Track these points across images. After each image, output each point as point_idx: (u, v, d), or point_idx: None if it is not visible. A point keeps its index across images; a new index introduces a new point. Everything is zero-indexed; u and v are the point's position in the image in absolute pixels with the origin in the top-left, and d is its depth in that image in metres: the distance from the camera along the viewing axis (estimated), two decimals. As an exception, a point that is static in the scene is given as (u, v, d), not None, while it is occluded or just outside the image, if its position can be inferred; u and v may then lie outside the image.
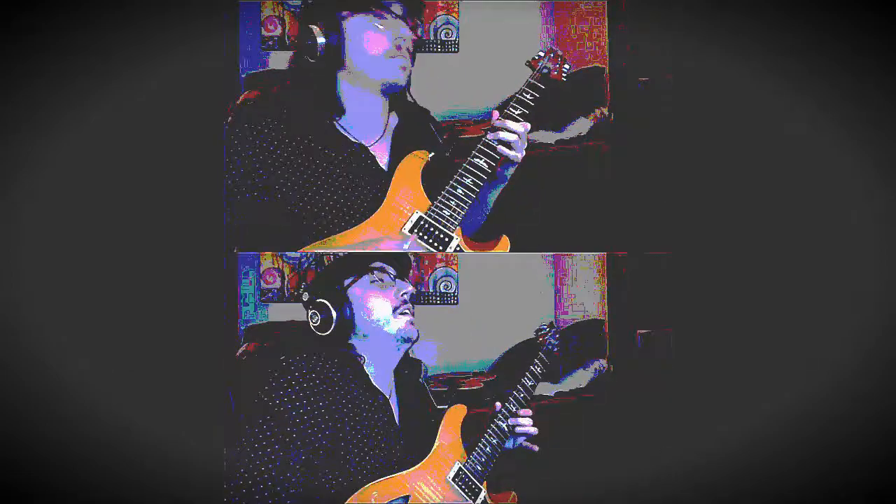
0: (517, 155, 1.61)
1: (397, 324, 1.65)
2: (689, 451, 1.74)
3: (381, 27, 1.62)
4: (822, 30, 1.77)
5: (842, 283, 1.75)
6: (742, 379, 1.75)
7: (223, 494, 1.58)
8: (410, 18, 1.65)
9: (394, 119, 1.70)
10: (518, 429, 1.68)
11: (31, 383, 1.68)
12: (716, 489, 1.74)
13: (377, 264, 1.66)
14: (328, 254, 1.76)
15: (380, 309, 1.65)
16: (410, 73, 1.68)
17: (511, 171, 1.64)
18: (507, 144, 1.60)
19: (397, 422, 1.67)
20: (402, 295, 1.66)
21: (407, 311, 1.66)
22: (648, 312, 1.82)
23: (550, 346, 1.76)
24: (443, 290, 1.85)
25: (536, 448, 1.71)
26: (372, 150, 1.65)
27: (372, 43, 1.62)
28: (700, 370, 1.77)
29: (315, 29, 1.61)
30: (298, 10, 1.78)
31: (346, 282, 1.65)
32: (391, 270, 1.68)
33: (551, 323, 1.80)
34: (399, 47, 1.63)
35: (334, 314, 1.61)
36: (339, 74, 1.64)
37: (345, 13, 1.62)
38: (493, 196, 1.66)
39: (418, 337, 1.69)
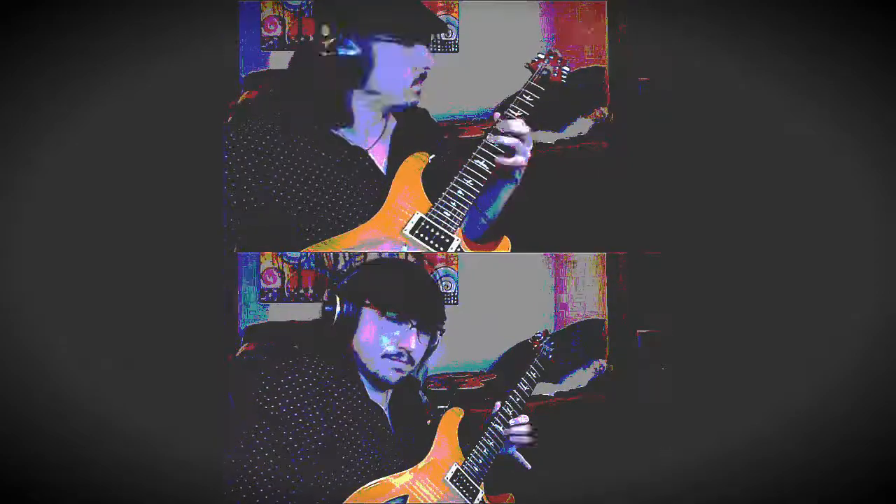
0: (518, 159, 1.60)
1: (381, 366, 1.61)
2: (689, 451, 1.74)
3: (406, 55, 1.59)
4: (822, 30, 1.76)
5: (842, 283, 1.75)
6: (742, 379, 1.75)
7: (222, 495, 1.58)
8: (429, 44, 1.63)
9: (392, 122, 1.68)
10: (513, 437, 1.68)
11: (31, 383, 1.68)
12: (716, 489, 1.74)
13: (403, 314, 1.61)
14: (328, 254, 1.76)
15: (372, 340, 1.61)
16: None
17: (520, 171, 1.62)
18: (510, 150, 1.59)
19: (391, 427, 1.66)
20: (399, 346, 1.60)
21: (400, 362, 1.61)
22: (648, 312, 1.82)
23: (545, 354, 1.76)
24: (443, 290, 1.85)
25: (529, 466, 1.70)
26: (370, 154, 1.64)
27: (399, 70, 1.59)
28: (700, 370, 1.77)
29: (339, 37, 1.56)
30: (296, 9, 1.77)
31: (367, 301, 1.62)
32: (413, 321, 1.62)
33: (546, 331, 1.80)
34: (423, 76, 1.61)
35: (337, 310, 1.61)
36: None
37: (371, 34, 1.57)
38: (505, 195, 1.65)
39: (399, 382, 1.64)
